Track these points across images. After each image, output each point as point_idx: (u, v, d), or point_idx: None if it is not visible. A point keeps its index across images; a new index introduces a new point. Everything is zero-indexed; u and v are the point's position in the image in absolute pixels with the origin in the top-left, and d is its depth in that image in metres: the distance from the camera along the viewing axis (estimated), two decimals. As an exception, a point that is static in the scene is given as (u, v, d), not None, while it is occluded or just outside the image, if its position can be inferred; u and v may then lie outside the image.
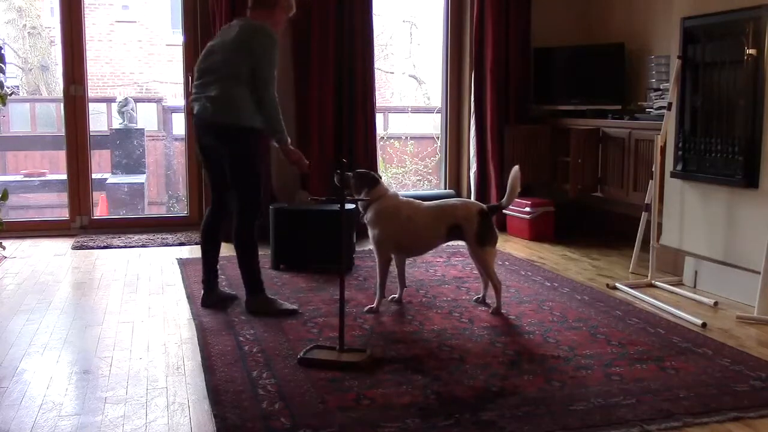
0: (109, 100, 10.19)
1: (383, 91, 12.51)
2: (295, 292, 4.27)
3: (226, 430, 2.52)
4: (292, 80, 5.91)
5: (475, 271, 4.26)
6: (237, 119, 3.70)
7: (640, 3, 5.82)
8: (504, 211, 6.08)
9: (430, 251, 4.30)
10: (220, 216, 3.97)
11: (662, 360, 3.19)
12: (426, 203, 4.00)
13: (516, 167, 3.93)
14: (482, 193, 6.32)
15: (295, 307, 3.87)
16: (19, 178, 9.08)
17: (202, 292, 3.99)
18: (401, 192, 5.16)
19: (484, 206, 3.98)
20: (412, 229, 3.91)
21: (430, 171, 9.62)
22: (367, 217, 3.95)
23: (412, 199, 4.04)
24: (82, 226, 6.06)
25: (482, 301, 4.06)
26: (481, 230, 3.85)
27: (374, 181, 4.00)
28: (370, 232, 3.96)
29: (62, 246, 5.60)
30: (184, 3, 5.99)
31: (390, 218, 3.90)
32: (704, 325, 3.69)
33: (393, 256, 4.00)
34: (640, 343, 3.40)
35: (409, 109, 11.27)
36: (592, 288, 4.42)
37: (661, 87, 5.16)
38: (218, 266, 4.07)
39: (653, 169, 4.60)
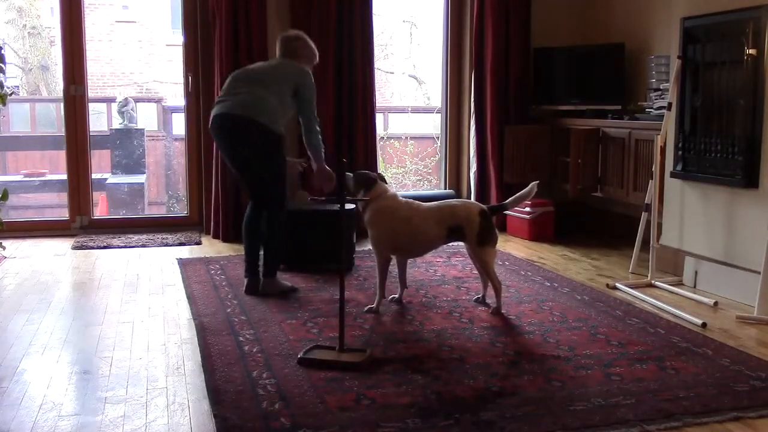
0: (109, 100, 10.19)
1: (383, 91, 12.52)
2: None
3: (226, 430, 2.52)
4: (292, 80, 5.90)
5: (475, 271, 4.26)
6: (276, 125, 4.12)
7: (640, 3, 5.82)
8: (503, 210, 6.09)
9: (430, 252, 4.29)
10: (260, 212, 4.26)
11: (662, 360, 3.19)
12: (426, 204, 3.99)
13: (535, 186, 3.97)
14: (482, 193, 6.32)
15: (291, 285, 4.32)
16: (19, 178, 9.08)
17: (246, 281, 4.24)
18: (401, 192, 5.16)
19: (485, 207, 3.98)
20: (412, 230, 3.90)
21: (430, 171, 9.62)
22: (365, 217, 3.96)
23: (411, 200, 4.02)
24: (82, 226, 6.06)
25: (482, 301, 4.06)
26: (482, 231, 3.85)
27: (371, 181, 3.99)
28: (369, 233, 3.96)
29: (62, 246, 5.60)
30: (184, 3, 5.99)
31: (387, 218, 3.90)
32: (704, 325, 3.69)
33: (393, 256, 4.00)
34: (640, 343, 3.40)
35: (409, 109, 11.27)
36: (592, 288, 4.42)
37: (661, 87, 5.16)
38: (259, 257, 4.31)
39: (653, 169, 4.60)
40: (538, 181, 3.99)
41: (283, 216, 4.24)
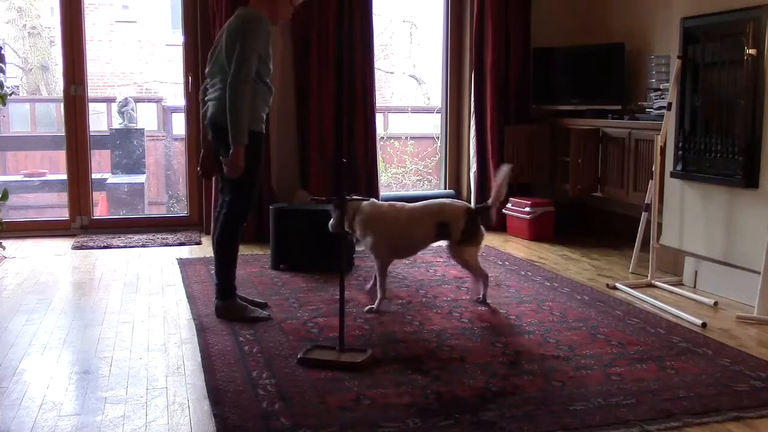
0: (109, 100, 10.19)
1: (383, 91, 12.52)
2: (295, 292, 4.28)
3: (226, 430, 2.52)
4: (293, 80, 5.91)
5: (475, 271, 4.26)
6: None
7: (640, 3, 5.82)
8: (503, 210, 6.10)
9: (426, 251, 4.30)
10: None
11: (662, 360, 3.19)
12: (410, 204, 4.03)
13: (506, 167, 4.01)
14: (482, 193, 6.32)
15: (267, 314, 3.78)
16: (19, 178, 9.07)
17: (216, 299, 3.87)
18: (401, 192, 5.18)
19: (471, 206, 4.01)
20: (402, 230, 3.94)
21: (430, 171, 9.62)
22: (357, 232, 3.95)
23: (393, 202, 4.07)
24: (82, 226, 6.06)
25: (483, 301, 4.06)
26: (466, 228, 3.90)
27: (344, 203, 3.87)
28: (365, 242, 3.96)
29: (62, 246, 5.60)
30: (184, 3, 5.99)
31: (377, 223, 3.92)
32: (704, 325, 3.69)
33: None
34: (640, 343, 3.40)
35: (409, 109, 11.27)
36: (592, 288, 4.42)
37: (661, 87, 5.16)
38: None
39: (653, 169, 4.60)
40: (510, 165, 4.05)
41: (239, 229, 3.77)
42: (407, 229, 3.94)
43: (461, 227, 3.89)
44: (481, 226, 3.97)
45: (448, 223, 3.91)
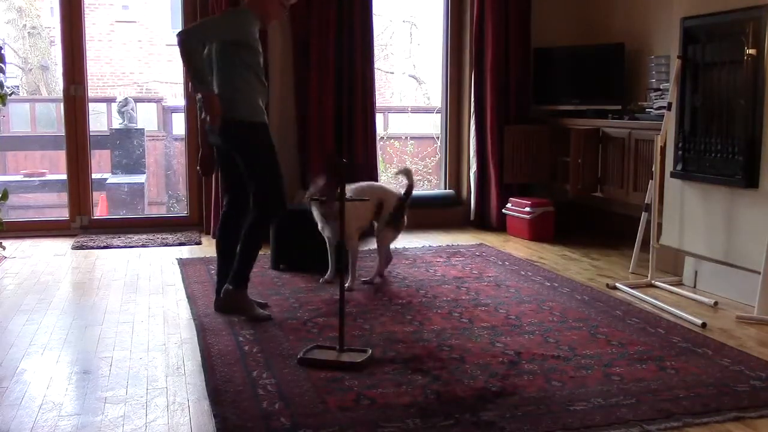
0: (109, 100, 10.20)
1: (383, 91, 12.52)
2: (295, 292, 4.28)
3: (226, 430, 2.52)
4: (292, 80, 5.91)
5: (475, 272, 4.30)
6: (237, 114, 3.65)
7: (640, 3, 5.81)
8: (504, 211, 6.10)
9: (426, 251, 4.30)
10: (234, 218, 3.86)
11: (662, 360, 3.19)
12: (354, 185, 4.39)
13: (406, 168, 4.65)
14: (482, 193, 6.32)
15: (267, 314, 3.77)
16: (19, 178, 9.08)
17: (216, 297, 3.89)
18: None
19: (402, 195, 4.41)
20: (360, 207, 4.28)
21: (430, 171, 9.62)
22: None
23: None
24: (82, 226, 6.06)
25: (370, 281, 4.41)
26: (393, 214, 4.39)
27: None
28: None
29: (62, 246, 5.60)
30: (184, 3, 5.99)
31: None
32: (704, 325, 3.69)
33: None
34: (640, 343, 3.40)
35: (409, 109, 11.28)
36: (592, 288, 4.42)
37: (661, 87, 5.16)
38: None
39: (653, 169, 4.60)
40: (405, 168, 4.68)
41: (272, 221, 3.85)
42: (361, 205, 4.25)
43: (389, 211, 4.39)
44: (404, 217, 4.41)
45: (383, 203, 4.37)
